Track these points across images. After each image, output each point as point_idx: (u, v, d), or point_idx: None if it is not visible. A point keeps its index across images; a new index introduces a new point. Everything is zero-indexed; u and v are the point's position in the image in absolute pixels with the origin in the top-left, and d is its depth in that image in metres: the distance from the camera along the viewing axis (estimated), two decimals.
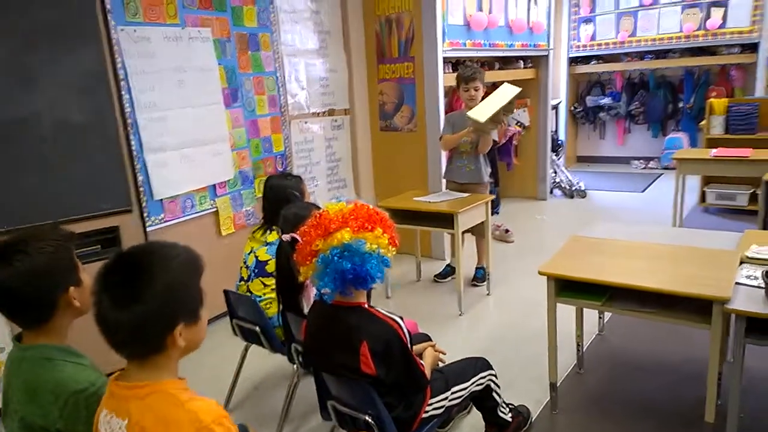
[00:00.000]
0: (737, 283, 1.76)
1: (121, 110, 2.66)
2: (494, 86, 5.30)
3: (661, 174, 6.51)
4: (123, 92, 2.69)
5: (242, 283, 2.40)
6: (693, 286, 1.75)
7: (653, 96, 6.77)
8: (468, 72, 3.33)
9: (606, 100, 7.06)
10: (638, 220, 4.73)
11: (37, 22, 2.33)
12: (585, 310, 2.43)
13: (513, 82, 5.31)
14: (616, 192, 5.90)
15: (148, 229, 2.85)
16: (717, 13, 5.90)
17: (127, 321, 0.97)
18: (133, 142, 2.76)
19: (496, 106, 3.10)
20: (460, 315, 3.17)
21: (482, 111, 3.10)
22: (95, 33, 2.49)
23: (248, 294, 2.33)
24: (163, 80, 2.88)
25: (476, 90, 3.32)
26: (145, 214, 2.85)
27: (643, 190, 5.88)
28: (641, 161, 7.07)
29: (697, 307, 1.75)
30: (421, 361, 1.67)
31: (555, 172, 5.90)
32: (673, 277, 1.86)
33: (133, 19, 2.73)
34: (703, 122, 4.70)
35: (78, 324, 1.28)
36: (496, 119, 3.15)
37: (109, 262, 1.02)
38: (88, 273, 1.26)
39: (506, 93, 3.17)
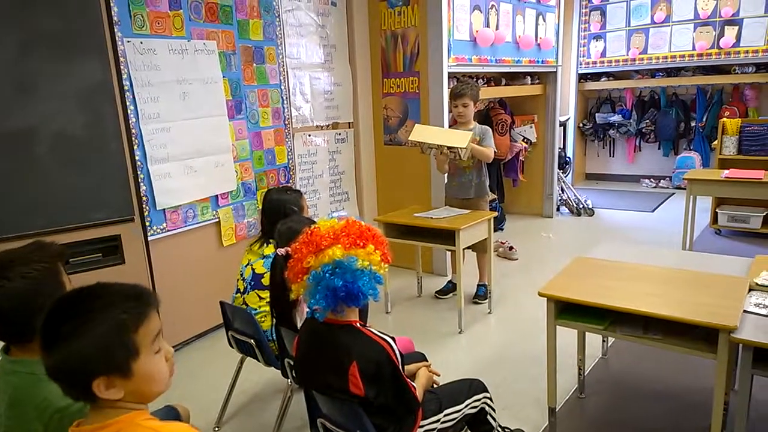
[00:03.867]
0: (745, 311, 1.69)
1: (126, 121, 2.68)
2: (500, 102, 5.33)
3: (673, 194, 6.42)
4: (128, 103, 2.71)
5: (238, 295, 2.37)
6: (699, 314, 1.68)
7: (665, 114, 6.71)
8: (457, 89, 3.30)
9: (616, 118, 7.00)
10: (647, 241, 4.65)
11: (44, 33, 2.36)
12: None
13: (519, 98, 5.34)
14: (625, 211, 5.81)
15: (149, 239, 2.85)
16: (731, 32, 5.85)
17: (49, 365, 0.95)
18: (137, 153, 2.77)
19: (435, 138, 3.15)
20: (459, 333, 3.12)
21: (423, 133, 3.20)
22: (102, 44, 2.51)
23: (244, 306, 2.31)
24: (168, 92, 2.90)
25: (465, 107, 3.27)
26: (147, 224, 2.85)
27: (653, 210, 5.80)
28: (652, 180, 6.99)
29: (703, 335, 1.69)
30: (413, 383, 1.62)
31: (562, 190, 5.84)
32: (679, 303, 1.80)
33: (140, 31, 2.75)
34: (716, 142, 4.63)
35: None
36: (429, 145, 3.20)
37: (52, 303, 0.98)
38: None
39: (454, 140, 3.14)
